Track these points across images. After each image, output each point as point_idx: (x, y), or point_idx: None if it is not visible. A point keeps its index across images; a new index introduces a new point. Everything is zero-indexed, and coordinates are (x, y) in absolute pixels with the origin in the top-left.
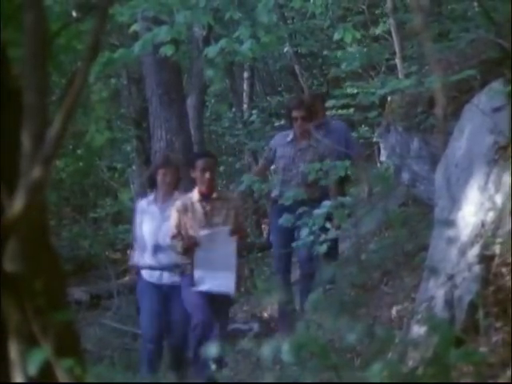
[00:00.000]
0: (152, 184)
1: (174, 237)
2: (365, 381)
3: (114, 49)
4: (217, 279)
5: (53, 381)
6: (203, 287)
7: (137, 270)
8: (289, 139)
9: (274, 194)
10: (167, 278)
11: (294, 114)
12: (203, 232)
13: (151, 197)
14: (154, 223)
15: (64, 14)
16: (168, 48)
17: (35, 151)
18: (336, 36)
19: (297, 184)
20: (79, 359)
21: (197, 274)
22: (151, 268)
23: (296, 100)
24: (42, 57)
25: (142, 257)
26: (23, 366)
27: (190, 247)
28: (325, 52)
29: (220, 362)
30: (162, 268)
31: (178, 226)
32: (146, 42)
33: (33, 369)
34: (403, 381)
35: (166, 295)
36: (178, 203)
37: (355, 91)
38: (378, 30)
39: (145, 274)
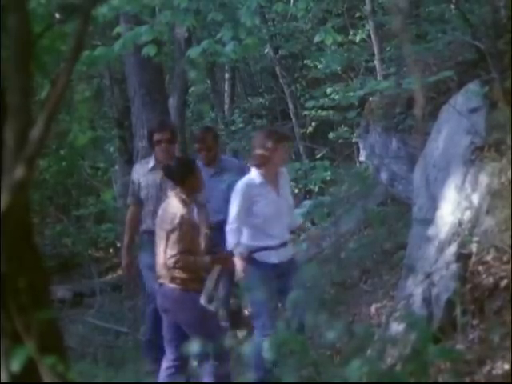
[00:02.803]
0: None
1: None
2: (344, 377)
3: (95, 49)
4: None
5: (36, 378)
6: (213, 308)
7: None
8: (150, 166)
9: (145, 226)
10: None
11: (157, 136)
12: None
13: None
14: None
15: (47, 16)
16: (150, 48)
17: (18, 151)
18: (317, 38)
19: None
20: (62, 356)
21: (216, 290)
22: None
23: (158, 122)
24: (26, 58)
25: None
26: (7, 364)
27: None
28: (306, 55)
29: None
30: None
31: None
32: (126, 41)
33: (16, 366)
34: (382, 377)
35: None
36: (184, 211)
37: (335, 92)
38: (358, 37)
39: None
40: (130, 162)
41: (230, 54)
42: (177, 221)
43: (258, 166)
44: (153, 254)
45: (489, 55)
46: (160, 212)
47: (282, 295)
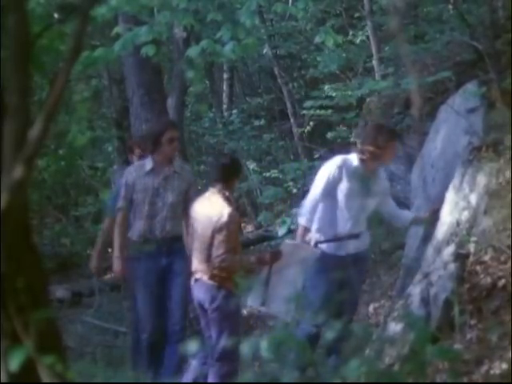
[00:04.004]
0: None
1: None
2: (342, 377)
3: (94, 49)
4: (278, 303)
5: (35, 378)
6: (267, 309)
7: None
8: (148, 169)
9: (136, 235)
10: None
11: (170, 134)
12: (291, 242)
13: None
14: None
15: (46, 16)
16: (149, 48)
17: (17, 151)
18: (317, 39)
19: (164, 218)
20: (61, 356)
21: (267, 290)
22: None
23: (167, 120)
24: (25, 58)
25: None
26: (5, 364)
27: (273, 261)
28: (304, 55)
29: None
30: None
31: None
32: (126, 42)
33: (15, 366)
34: (380, 377)
35: None
36: (231, 209)
37: (333, 92)
38: (358, 39)
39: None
40: (128, 162)
41: (229, 54)
42: (225, 219)
43: (365, 161)
44: (148, 263)
45: (487, 55)
46: (199, 209)
47: (344, 287)
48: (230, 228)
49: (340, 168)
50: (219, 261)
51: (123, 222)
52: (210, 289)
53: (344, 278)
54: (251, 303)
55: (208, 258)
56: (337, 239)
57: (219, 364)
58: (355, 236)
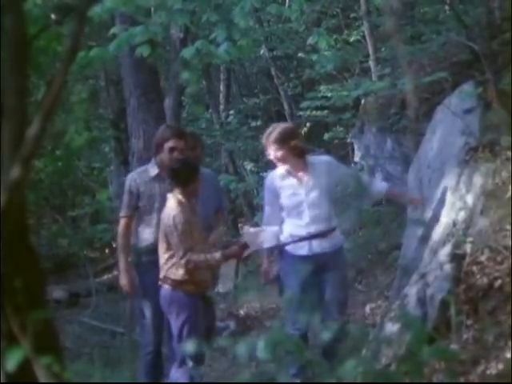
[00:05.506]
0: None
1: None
2: (339, 377)
3: (91, 50)
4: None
5: (32, 378)
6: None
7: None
8: (153, 174)
9: (145, 243)
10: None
11: (173, 143)
12: (252, 230)
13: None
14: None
15: (43, 17)
16: (144, 48)
17: (14, 151)
18: (310, 41)
19: None
20: (58, 356)
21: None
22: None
23: (175, 129)
24: (22, 58)
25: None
26: (2, 364)
27: (241, 254)
28: (300, 54)
29: (197, 359)
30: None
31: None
32: (121, 42)
33: (12, 366)
34: (377, 377)
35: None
36: (178, 211)
37: (330, 93)
38: (352, 37)
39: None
40: (125, 163)
41: (224, 55)
42: (171, 221)
43: (286, 166)
44: (155, 273)
45: (483, 56)
46: (161, 215)
47: (319, 289)
48: (179, 228)
49: (270, 185)
50: (184, 263)
51: (127, 231)
52: (167, 293)
53: (315, 278)
54: (223, 289)
55: (165, 261)
56: (298, 240)
57: (183, 367)
58: (321, 235)
